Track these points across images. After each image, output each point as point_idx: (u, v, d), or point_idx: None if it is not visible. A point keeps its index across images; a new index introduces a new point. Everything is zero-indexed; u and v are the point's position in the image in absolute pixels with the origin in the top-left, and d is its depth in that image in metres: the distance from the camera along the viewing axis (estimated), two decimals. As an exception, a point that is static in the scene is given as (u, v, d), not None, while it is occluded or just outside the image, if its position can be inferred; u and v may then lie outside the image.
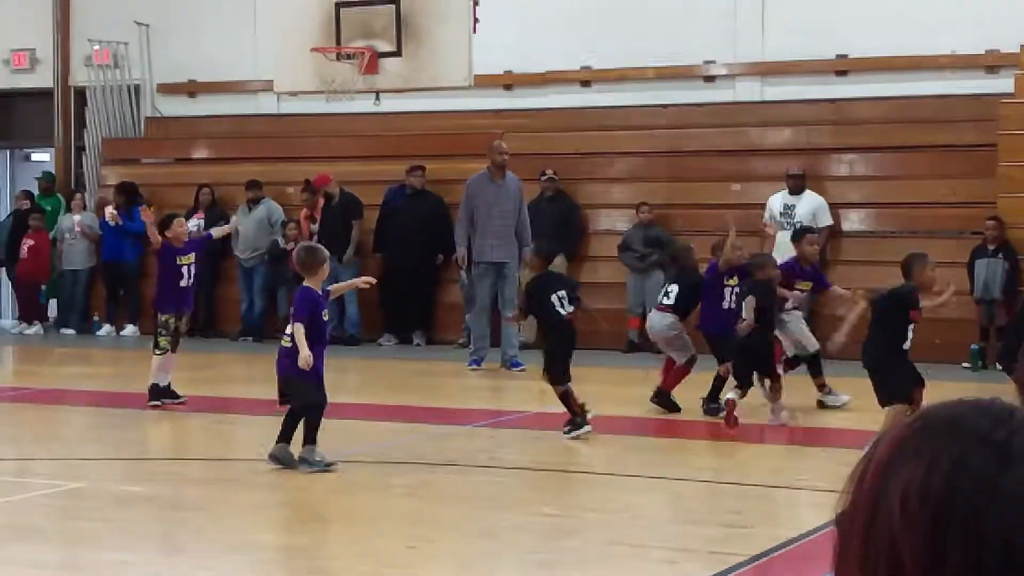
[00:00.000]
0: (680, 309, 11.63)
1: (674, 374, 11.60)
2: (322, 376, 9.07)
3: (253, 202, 18.19)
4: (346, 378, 15.16)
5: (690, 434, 10.46)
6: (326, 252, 9.50)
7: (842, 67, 17.02)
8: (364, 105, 15.10)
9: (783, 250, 16.03)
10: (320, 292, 9.27)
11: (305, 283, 9.28)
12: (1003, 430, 1.27)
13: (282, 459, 8.94)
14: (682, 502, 8.61)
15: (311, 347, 8.90)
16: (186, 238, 12.19)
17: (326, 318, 9.39)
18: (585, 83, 18.18)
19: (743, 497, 8.50)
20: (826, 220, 15.93)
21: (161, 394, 11.82)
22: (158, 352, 11.80)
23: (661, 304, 11.83)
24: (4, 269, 20.31)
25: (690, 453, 10.19)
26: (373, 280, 10.97)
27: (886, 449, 1.30)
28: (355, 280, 11.44)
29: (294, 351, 8.91)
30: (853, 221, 16.46)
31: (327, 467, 8.92)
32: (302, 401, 8.99)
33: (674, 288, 11.72)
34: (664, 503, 8.53)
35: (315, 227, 17.74)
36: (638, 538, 7.31)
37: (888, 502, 1.26)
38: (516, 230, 14.82)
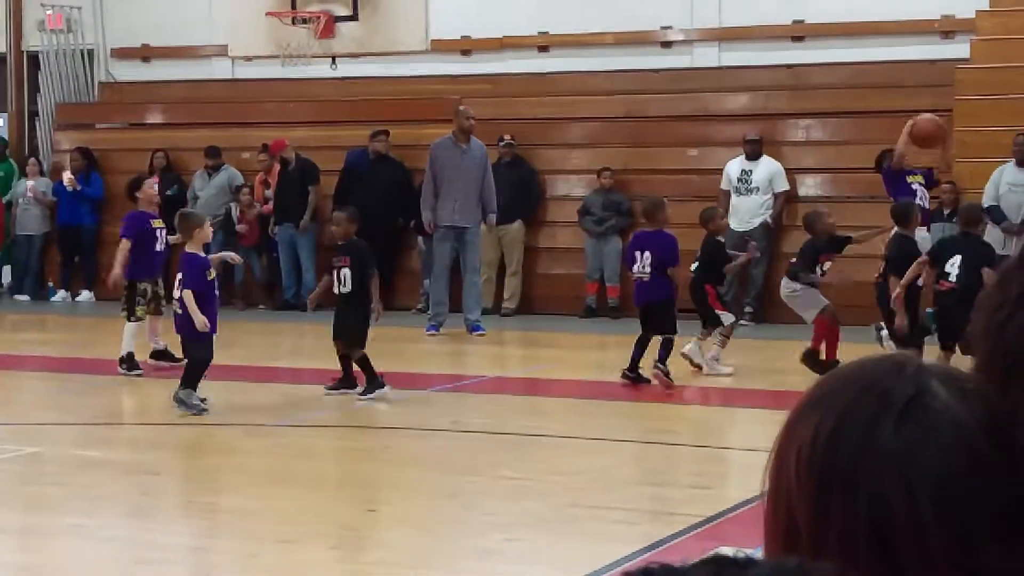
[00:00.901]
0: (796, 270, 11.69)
1: (815, 334, 11.55)
2: (214, 333, 9.89)
3: (213, 169, 18.07)
4: (303, 343, 15.13)
5: (649, 397, 10.48)
6: (202, 215, 10.46)
7: (799, 32, 17.04)
8: (320, 70, 15.05)
9: (740, 214, 16.13)
10: (204, 255, 10.04)
11: (187, 248, 10.02)
12: (892, 379, 1.23)
13: (185, 402, 9.70)
14: (642, 464, 8.65)
15: (204, 308, 9.74)
16: (156, 200, 12.10)
17: (212, 276, 10.06)
18: (543, 48, 18.13)
19: (703, 459, 8.55)
20: (783, 185, 16.00)
21: (161, 356, 11.76)
22: (134, 320, 11.67)
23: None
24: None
25: (649, 416, 10.22)
26: (240, 259, 12.83)
27: (793, 409, 1.28)
28: (225, 253, 12.44)
29: (186, 316, 9.73)
30: (809, 186, 16.52)
31: (201, 411, 9.64)
32: (191, 356, 9.93)
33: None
34: (624, 465, 8.56)
35: (269, 193, 17.65)
36: (598, 500, 7.34)
37: (787, 461, 1.24)
38: (481, 196, 14.79)
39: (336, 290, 10.56)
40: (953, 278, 10.62)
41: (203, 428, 9.54)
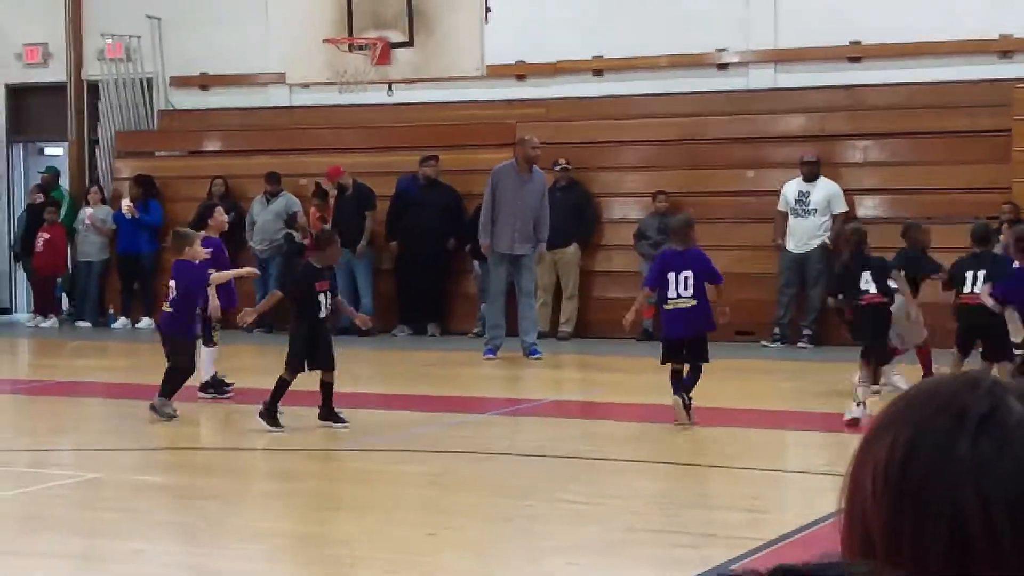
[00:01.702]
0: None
1: (923, 365, 11.27)
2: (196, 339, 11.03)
3: (271, 195, 18.20)
4: (361, 368, 15.16)
5: (706, 421, 10.42)
6: (194, 234, 11.02)
7: (855, 53, 16.96)
8: (376, 96, 15.10)
9: (797, 235, 16.05)
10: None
11: (183, 258, 10.85)
12: (967, 397, 1.25)
13: (159, 410, 10.56)
14: (699, 487, 8.60)
15: (192, 318, 10.91)
16: (225, 227, 12.28)
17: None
18: (597, 72, 18.14)
19: (760, 482, 8.49)
20: (841, 207, 15.91)
21: (215, 384, 11.94)
22: (212, 345, 11.93)
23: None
24: (20, 263, 20.36)
25: (705, 440, 10.16)
26: (257, 272, 13.53)
27: (869, 426, 1.31)
28: (242, 270, 12.62)
29: (176, 316, 10.69)
30: (868, 207, 16.41)
31: (171, 417, 10.48)
32: (175, 363, 10.66)
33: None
34: (682, 489, 8.51)
35: (326, 227, 17.79)
36: (657, 524, 7.30)
37: (863, 479, 1.26)
38: (535, 224, 14.85)
39: (321, 313, 10.36)
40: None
41: (261, 453, 9.59)
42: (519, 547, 6.93)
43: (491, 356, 14.80)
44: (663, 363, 10.27)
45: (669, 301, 10.11)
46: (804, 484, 8.56)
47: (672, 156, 17.42)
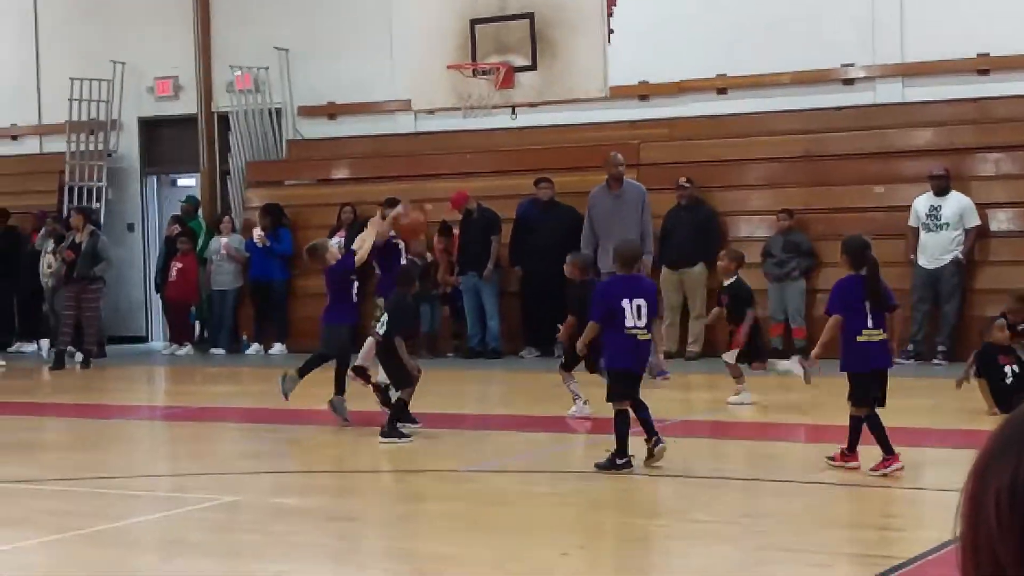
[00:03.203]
0: None
1: None
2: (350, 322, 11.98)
3: (394, 219, 18.40)
4: (490, 390, 15.28)
5: (839, 439, 10.32)
6: (321, 240, 12.48)
7: (983, 65, 16.72)
8: (499, 120, 15.23)
9: (929, 251, 15.82)
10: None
11: (328, 265, 11.92)
12: None
13: (337, 408, 11.66)
14: (832, 506, 8.53)
15: (345, 312, 11.91)
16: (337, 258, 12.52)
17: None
18: (721, 90, 18.10)
19: (895, 501, 8.40)
20: (974, 220, 15.67)
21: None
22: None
23: None
24: (160, 292, 20.84)
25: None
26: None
27: (983, 450, 1.27)
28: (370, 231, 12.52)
29: (331, 307, 11.93)
30: (1001, 221, 16.15)
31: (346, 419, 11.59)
32: (324, 349, 11.81)
33: None
34: (815, 507, 8.45)
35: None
36: (790, 543, 7.26)
37: (985, 506, 1.23)
38: (639, 238, 14.83)
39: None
40: None
41: (397, 475, 9.71)
42: (655, 567, 6.95)
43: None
44: (615, 401, 9.24)
45: (627, 330, 9.20)
46: (941, 502, 8.44)
47: (798, 173, 17.31)
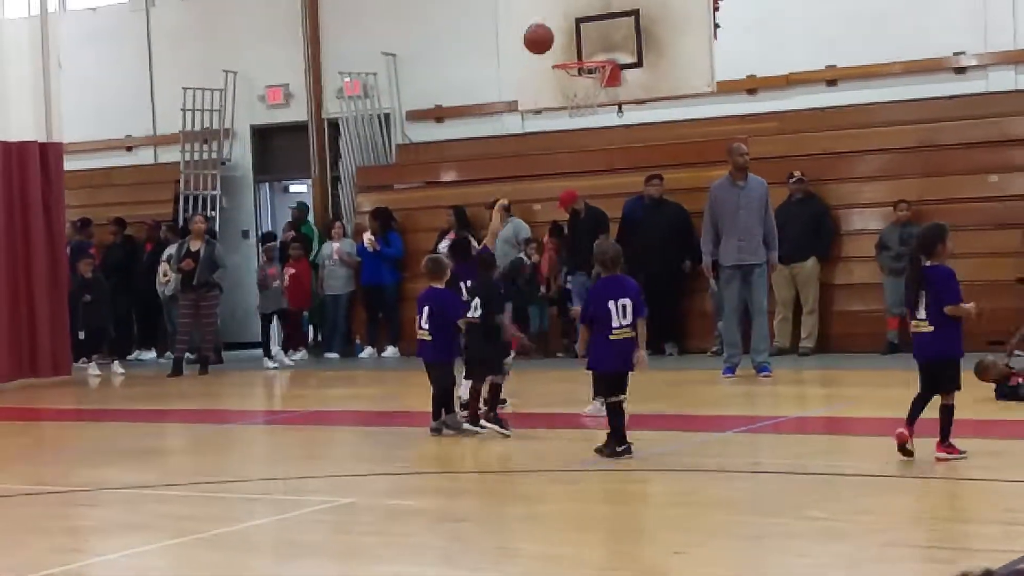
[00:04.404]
0: None
1: None
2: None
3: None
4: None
5: (958, 433, 10.16)
6: (449, 263, 11.38)
7: (1101, 49, 16.38)
8: (606, 118, 15.21)
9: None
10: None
11: (434, 286, 11.17)
12: None
13: (451, 425, 11.12)
14: (952, 500, 8.39)
15: (451, 346, 11.14)
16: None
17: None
18: (831, 82, 17.91)
19: (1017, 495, 8.24)
20: (1093, 208, 15.35)
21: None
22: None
23: None
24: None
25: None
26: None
27: None
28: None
29: (435, 343, 11.04)
30: (1120, 206, 15.80)
31: (463, 430, 11.07)
32: (441, 385, 11.15)
33: None
34: (934, 502, 8.32)
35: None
36: (912, 539, 7.16)
37: None
38: (764, 234, 14.65)
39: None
40: None
41: (507, 476, 9.73)
42: (772, 565, 6.88)
43: (730, 375, 14.71)
44: (602, 397, 10.08)
45: (614, 331, 9.64)
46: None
47: (911, 164, 17.07)
